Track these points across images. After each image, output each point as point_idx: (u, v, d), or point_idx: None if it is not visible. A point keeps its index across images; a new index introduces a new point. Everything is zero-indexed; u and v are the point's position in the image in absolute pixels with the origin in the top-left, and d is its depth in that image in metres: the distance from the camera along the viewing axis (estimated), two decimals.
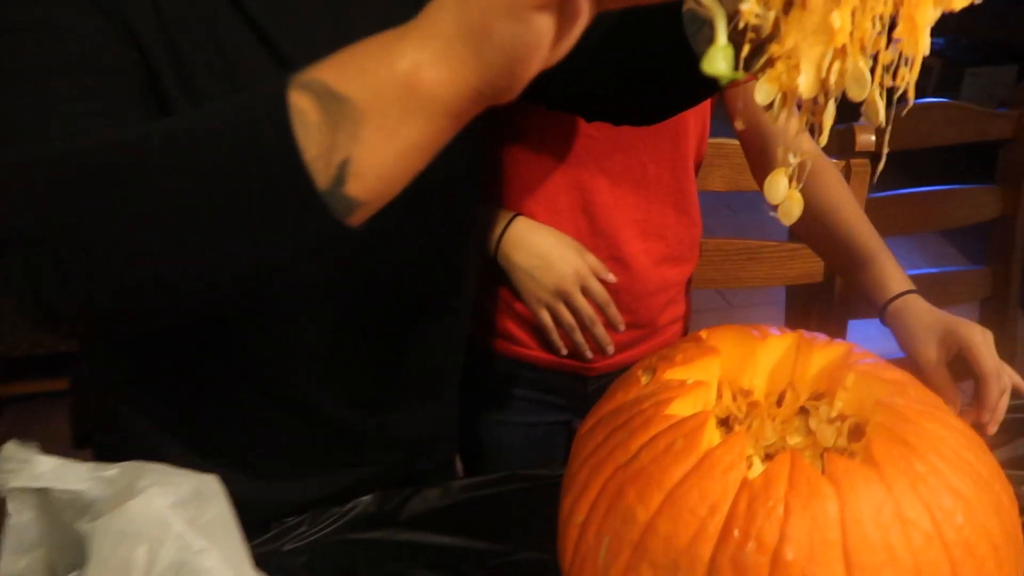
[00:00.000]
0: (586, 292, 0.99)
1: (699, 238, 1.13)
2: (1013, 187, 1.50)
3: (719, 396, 0.65)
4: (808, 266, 1.36)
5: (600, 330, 1.00)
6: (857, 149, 1.21)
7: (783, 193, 0.52)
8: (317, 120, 0.43)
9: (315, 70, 0.44)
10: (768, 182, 0.52)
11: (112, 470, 0.52)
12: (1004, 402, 0.86)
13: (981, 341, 0.86)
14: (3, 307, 0.63)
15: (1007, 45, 3.77)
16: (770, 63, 0.48)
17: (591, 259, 0.99)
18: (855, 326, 1.39)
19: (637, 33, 0.71)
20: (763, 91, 0.48)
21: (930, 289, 1.56)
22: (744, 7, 0.45)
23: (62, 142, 0.52)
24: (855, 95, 0.46)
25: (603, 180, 1.00)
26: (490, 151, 0.99)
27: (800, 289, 1.43)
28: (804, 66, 0.46)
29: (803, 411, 0.65)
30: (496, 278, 1.02)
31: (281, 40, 0.65)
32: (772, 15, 0.46)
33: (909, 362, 0.90)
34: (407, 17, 0.62)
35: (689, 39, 0.63)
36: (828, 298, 1.38)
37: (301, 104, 0.43)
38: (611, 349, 1.02)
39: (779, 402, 0.66)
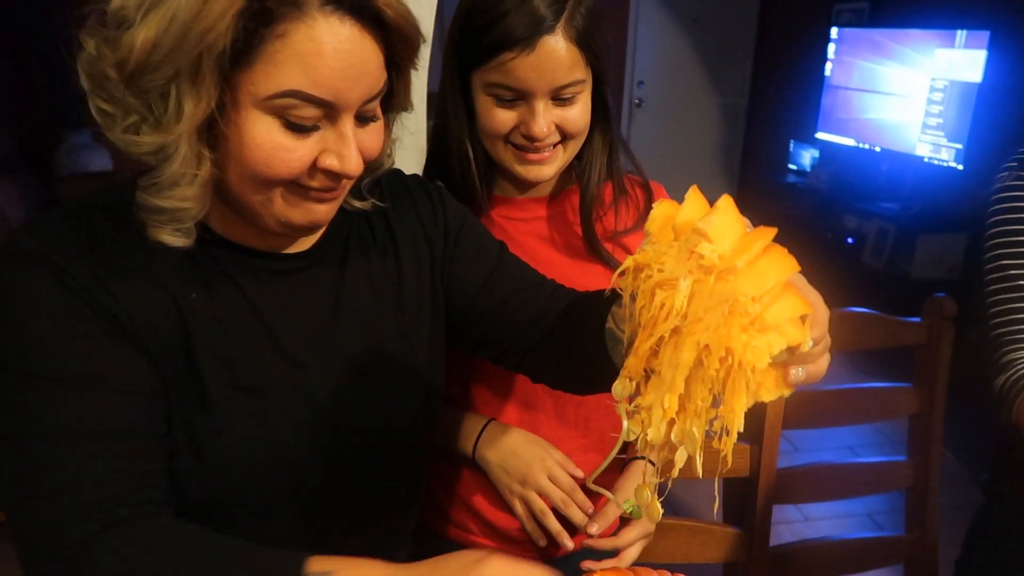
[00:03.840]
0: (554, 480, 1.09)
1: None
2: (928, 387, 1.65)
3: None
4: (737, 464, 1.50)
5: (574, 511, 1.09)
6: None
7: (647, 502, 0.66)
8: None
9: None
10: (635, 492, 0.66)
11: None
12: None
13: None
14: None
15: (958, 213, 4.02)
16: (637, 410, 0.63)
17: (557, 454, 1.10)
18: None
19: (574, 332, 0.86)
20: (629, 432, 0.63)
21: (860, 475, 1.71)
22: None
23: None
24: (689, 450, 0.60)
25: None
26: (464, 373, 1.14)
27: (733, 482, 1.56)
28: (654, 422, 0.61)
29: None
30: (455, 472, 1.15)
31: (284, 336, 0.82)
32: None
33: None
34: (389, 316, 0.86)
35: (609, 351, 0.78)
36: (755, 491, 1.51)
37: None
38: (594, 529, 1.10)
39: None
